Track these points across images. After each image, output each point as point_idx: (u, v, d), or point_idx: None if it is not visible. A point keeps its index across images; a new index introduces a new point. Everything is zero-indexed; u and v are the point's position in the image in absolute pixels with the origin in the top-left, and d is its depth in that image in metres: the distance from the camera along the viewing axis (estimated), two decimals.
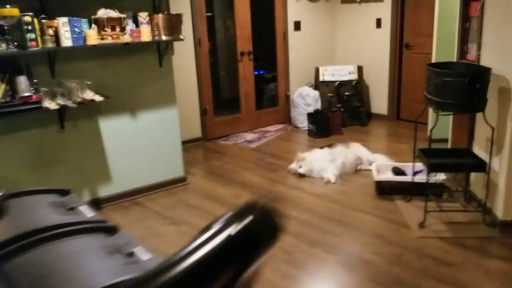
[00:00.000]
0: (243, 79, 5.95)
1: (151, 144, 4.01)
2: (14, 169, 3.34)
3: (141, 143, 3.95)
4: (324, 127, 5.68)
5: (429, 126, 5.01)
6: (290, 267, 2.83)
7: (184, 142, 5.37)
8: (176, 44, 5.16)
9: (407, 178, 3.77)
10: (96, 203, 3.76)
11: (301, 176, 4.33)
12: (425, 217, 3.29)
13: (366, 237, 3.18)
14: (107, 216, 3.61)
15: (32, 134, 3.39)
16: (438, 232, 3.21)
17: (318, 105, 6.12)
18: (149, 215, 3.63)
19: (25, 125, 3.34)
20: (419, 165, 3.58)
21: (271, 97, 6.53)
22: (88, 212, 1.76)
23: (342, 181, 4.23)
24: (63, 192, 1.95)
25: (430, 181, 3.39)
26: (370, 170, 4.35)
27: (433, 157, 3.30)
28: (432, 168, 3.29)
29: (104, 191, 3.82)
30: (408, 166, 4.01)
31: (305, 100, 6.09)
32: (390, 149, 5.10)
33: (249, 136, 5.87)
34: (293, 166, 4.41)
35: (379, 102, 6.42)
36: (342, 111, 6.04)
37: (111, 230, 1.61)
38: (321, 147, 4.55)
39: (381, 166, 4.15)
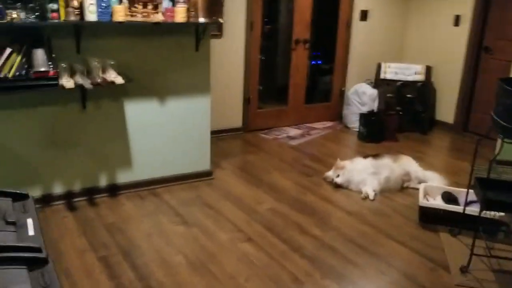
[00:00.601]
0: (295, 69, 5.52)
1: (177, 133, 3.74)
2: (27, 146, 3.20)
3: (166, 131, 3.69)
4: (376, 131, 5.15)
5: (496, 150, 4.36)
6: None
7: (222, 132, 5.12)
8: (226, 26, 4.85)
9: (458, 208, 3.22)
10: (112, 189, 3.57)
11: (337, 186, 3.89)
12: (471, 260, 2.77)
13: (394, 274, 2.72)
14: (121, 205, 3.42)
15: (50, 111, 3.22)
16: (483, 282, 2.68)
17: (375, 106, 5.57)
18: (162, 209, 3.38)
19: (42, 100, 3.17)
20: None
21: (323, 91, 6.05)
22: (31, 229, 1.49)
23: (382, 198, 3.74)
24: (19, 197, 1.71)
25: (483, 215, 2.85)
26: (417, 189, 3.83)
27: (491, 190, 2.75)
28: (486, 205, 2.74)
29: (123, 178, 3.61)
30: (462, 193, 3.44)
31: (360, 98, 5.56)
32: (448, 167, 4.50)
33: (293, 131, 5.46)
34: (330, 173, 3.97)
35: (446, 109, 5.74)
36: (401, 115, 5.45)
37: (38, 263, 1.33)
38: (365, 156, 4.06)
39: (430, 188, 3.61)
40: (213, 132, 4.97)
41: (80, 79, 3.04)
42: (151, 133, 3.63)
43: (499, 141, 4.33)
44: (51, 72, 2.96)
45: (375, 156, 4.04)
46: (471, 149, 5.07)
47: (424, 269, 2.78)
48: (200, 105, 3.77)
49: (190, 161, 3.86)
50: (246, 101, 5.26)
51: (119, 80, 3.11)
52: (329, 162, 4.36)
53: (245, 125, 5.34)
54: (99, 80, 3.07)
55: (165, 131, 3.68)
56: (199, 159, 3.90)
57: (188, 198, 3.58)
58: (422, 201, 3.32)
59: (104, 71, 3.16)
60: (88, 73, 3.13)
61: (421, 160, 4.51)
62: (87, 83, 3.00)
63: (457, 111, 5.63)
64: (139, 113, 3.54)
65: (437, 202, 3.44)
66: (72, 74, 3.07)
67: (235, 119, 5.27)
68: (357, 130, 5.40)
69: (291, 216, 3.37)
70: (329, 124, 5.82)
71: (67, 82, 2.98)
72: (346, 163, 3.95)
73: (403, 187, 3.93)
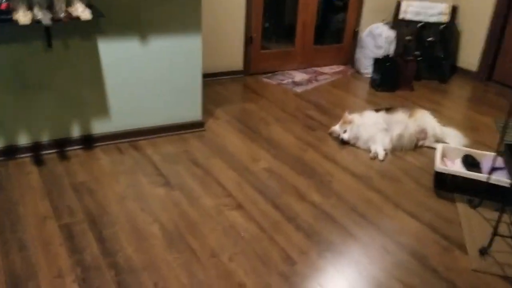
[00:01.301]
0: (304, 4, 4.90)
1: (162, 78, 3.27)
2: None
3: (149, 74, 3.22)
4: (391, 79, 4.61)
5: None
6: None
7: (220, 74, 4.63)
8: None
9: (480, 176, 2.79)
10: (87, 141, 3.17)
11: (344, 143, 3.45)
12: (493, 240, 2.37)
13: (400, 254, 2.34)
14: (96, 159, 3.03)
15: (10, 50, 2.75)
16: (506, 268, 2.30)
17: (391, 50, 5.00)
18: (142, 166, 2.98)
19: None
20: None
21: (335, 32, 5.44)
22: None
23: (393, 158, 3.31)
24: None
25: None
26: (434, 148, 3.38)
27: None
28: None
29: (99, 128, 3.20)
30: (486, 157, 3.00)
31: (375, 40, 4.97)
32: (469, 121, 4.01)
33: (299, 76, 4.94)
34: (336, 128, 3.52)
35: (470, 54, 5.15)
36: (420, 60, 4.88)
37: None
38: (377, 109, 3.58)
39: (448, 150, 3.16)
40: (210, 75, 4.51)
41: (39, 14, 2.54)
42: (131, 77, 3.16)
43: None
44: (3, 5, 2.47)
45: (388, 109, 3.56)
46: (494, 101, 4.59)
47: (436, 248, 2.40)
48: (189, 45, 3.26)
49: (177, 110, 3.41)
50: (248, 40, 4.71)
51: (86, 15, 2.60)
52: (336, 114, 3.90)
53: (246, 67, 4.82)
54: (62, 15, 2.57)
55: (147, 75, 3.21)
56: (188, 107, 3.45)
57: (173, 154, 3.18)
58: (439, 166, 2.88)
59: (70, 4, 2.65)
60: (50, 6, 2.62)
61: (438, 113, 4.03)
62: (46, 19, 2.50)
63: (482, 58, 5.04)
64: (116, 54, 3.05)
65: (456, 167, 3.00)
66: (30, 8, 2.57)
67: (235, 61, 4.75)
68: (370, 76, 4.87)
69: (289, 177, 2.96)
70: (339, 68, 5.27)
71: (23, 16, 2.49)
72: (355, 117, 3.48)
73: (417, 146, 3.48)
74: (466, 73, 5.18)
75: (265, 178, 2.94)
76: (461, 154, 3.11)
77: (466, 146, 3.41)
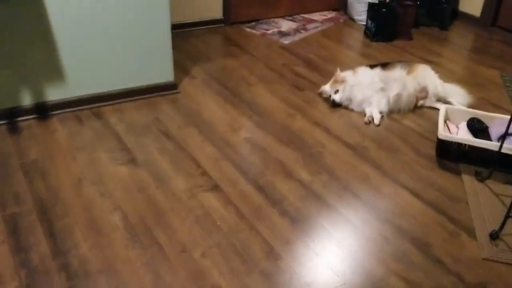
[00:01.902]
0: None
1: (123, 31, 2.81)
2: None
3: (108, 28, 2.75)
4: (388, 27, 4.16)
5: None
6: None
7: (196, 24, 4.16)
8: None
9: (489, 144, 2.45)
10: (42, 110, 2.76)
11: (335, 105, 3.07)
12: (505, 222, 2.07)
13: (400, 242, 2.04)
14: (51, 132, 2.63)
15: None
16: None
17: None
18: (104, 139, 2.60)
19: None
20: None
21: None
22: None
23: (390, 123, 2.95)
24: None
25: None
26: (436, 109, 3.03)
27: None
28: None
29: (55, 94, 2.77)
30: (495, 120, 2.66)
31: None
32: (473, 76, 3.63)
33: (285, 24, 4.45)
34: (327, 88, 3.12)
35: None
36: (418, 5, 4.40)
37: None
38: (372, 66, 3.17)
39: (452, 112, 2.81)
40: (184, 25, 4.03)
41: None
42: (87, 32, 2.70)
43: None
44: None
45: (385, 65, 3.15)
46: (500, 51, 4.17)
47: (441, 234, 2.10)
48: None
49: (145, 70, 2.98)
50: None
51: None
52: (327, 70, 3.50)
53: (226, 15, 4.32)
54: None
55: (105, 29, 2.75)
56: (157, 67, 3.02)
57: (141, 123, 2.78)
58: (442, 133, 2.53)
59: None
60: None
61: (439, 67, 3.65)
62: None
63: (486, 1, 4.57)
64: (67, 4, 2.57)
65: (462, 133, 2.66)
66: None
67: (214, 8, 4.25)
68: (364, 24, 4.40)
69: (274, 150, 2.60)
70: (330, 15, 4.78)
71: None
72: (348, 76, 3.08)
73: (417, 106, 3.11)
74: (468, 18, 4.73)
75: (246, 151, 2.57)
76: (467, 117, 2.76)
77: (471, 105, 3.06)
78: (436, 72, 3.23)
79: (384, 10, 4.13)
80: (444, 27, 4.54)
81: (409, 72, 3.10)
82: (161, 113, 2.89)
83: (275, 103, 3.08)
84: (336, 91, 3.04)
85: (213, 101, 3.07)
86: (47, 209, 2.08)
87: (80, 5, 2.59)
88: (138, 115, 2.85)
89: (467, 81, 3.48)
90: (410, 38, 4.25)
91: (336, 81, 3.06)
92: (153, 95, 3.03)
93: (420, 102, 3.11)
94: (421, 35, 4.38)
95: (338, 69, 3.09)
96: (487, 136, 2.57)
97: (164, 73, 3.04)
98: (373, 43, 4.15)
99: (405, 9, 4.18)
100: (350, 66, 3.30)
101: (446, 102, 3.11)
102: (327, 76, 3.34)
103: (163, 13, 2.85)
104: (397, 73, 3.08)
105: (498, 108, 3.13)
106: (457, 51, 4.13)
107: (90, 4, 2.61)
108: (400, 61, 3.24)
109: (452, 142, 2.52)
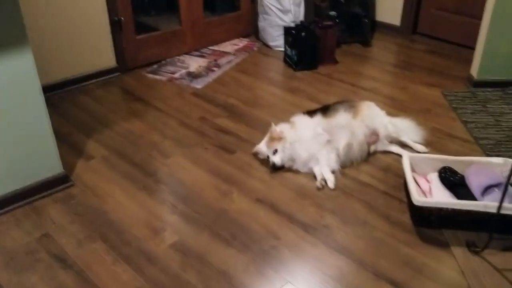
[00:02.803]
0: None
1: None
2: None
3: None
4: (311, 53, 3.67)
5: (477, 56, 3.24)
6: None
7: (85, 79, 3.38)
8: None
9: (481, 205, 1.98)
10: None
11: (275, 168, 2.48)
12: None
13: None
14: None
15: None
16: None
17: (301, 14, 4.04)
18: None
19: None
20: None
21: None
22: None
23: (345, 181, 2.42)
24: None
25: None
26: (390, 152, 2.58)
27: None
28: None
29: None
30: (470, 167, 2.23)
31: (280, 3, 3.95)
32: (414, 100, 3.24)
33: (194, 62, 3.79)
34: (263, 148, 2.53)
35: (390, 6, 4.35)
36: (338, 23, 3.97)
37: None
38: (310, 112, 2.63)
39: (417, 161, 2.34)
40: (71, 82, 3.29)
41: None
42: None
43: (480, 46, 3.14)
44: None
45: (325, 110, 2.62)
46: (430, 63, 3.79)
47: None
48: (14, 70, 2.01)
49: (23, 167, 2.18)
50: (116, 25, 3.44)
51: None
52: (254, 117, 2.94)
53: (120, 62, 3.57)
54: None
55: None
56: (39, 159, 2.23)
57: (22, 247, 1.99)
58: (417, 198, 2.03)
59: None
60: None
61: (376, 94, 3.27)
62: None
63: (404, 9, 4.27)
64: None
65: (436, 192, 2.18)
66: None
67: (104, 56, 3.48)
68: (283, 50, 3.88)
69: (213, 255, 1.95)
70: (242, 43, 4.20)
71: None
72: (285, 130, 2.51)
73: (369, 153, 2.62)
74: (388, 28, 4.40)
75: (176, 266, 1.89)
76: (434, 165, 2.31)
77: (426, 141, 2.66)
78: (378, 104, 2.78)
79: (303, 34, 3.63)
80: (366, 43, 4.16)
81: (354, 115, 2.60)
82: (51, 224, 2.11)
83: (202, 178, 2.43)
84: (275, 151, 2.46)
85: (120, 189, 2.35)
86: None
87: None
88: (17, 235, 2.05)
89: (412, 108, 3.08)
90: (335, 62, 3.80)
91: (272, 139, 2.48)
92: (37, 197, 2.24)
93: (372, 148, 2.63)
94: (345, 55, 3.95)
95: (273, 124, 2.51)
96: (467, 191, 2.13)
97: (48, 164, 2.26)
98: (297, 73, 3.64)
99: (325, 30, 3.71)
100: (279, 107, 2.81)
101: (398, 141, 2.67)
102: (256, 126, 2.78)
103: (33, 92, 2.08)
104: (342, 118, 2.56)
105: (454, 138, 2.75)
106: (387, 69, 3.75)
107: None
108: (340, 102, 2.73)
109: (432, 208, 2.03)
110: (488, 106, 3.09)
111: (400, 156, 2.54)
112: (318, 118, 2.56)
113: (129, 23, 3.51)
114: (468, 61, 3.45)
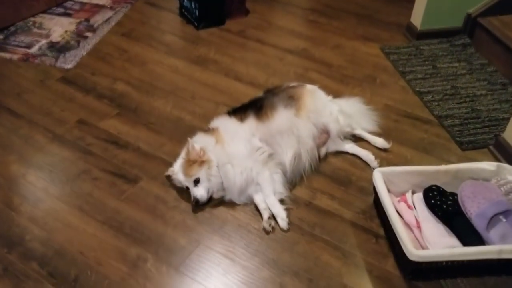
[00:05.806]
0: None
1: None
2: None
3: None
4: (215, 5, 2.80)
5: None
6: None
7: None
8: None
9: (487, 252, 1.48)
10: None
11: (199, 205, 1.74)
12: None
13: None
14: None
15: None
16: None
17: None
18: None
19: None
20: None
21: None
22: None
23: (298, 212, 1.77)
24: None
25: None
26: (345, 153, 1.99)
27: None
28: None
29: None
30: (462, 186, 1.69)
31: None
32: (350, 63, 2.61)
33: (57, 26, 2.73)
34: (179, 175, 1.75)
35: None
36: None
37: None
38: (239, 113, 1.88)
39: (391, 176, 1.73)
40: None
41: None
42: None
43: None
44: None
45: (259, 109, 1.88)
46: (355, 5, 3.14)
47: None
48: None
49: None
50: None
51: None
52: (157, 111, 2.15)
53: None
54: None
55: None
56: None
57: None
58: (415, 252, 1.45)
59: None
60: None
61: (305, 58, 2.58)
62: None
63: None
64: None
65: (426, 225, 1.63)
66: None
67: None
68: (179, 2, 2.95)
69: None
70: None
71: None
72: (208, 146, 1.76)
73: (320, 156, 1.98)
74: None
75: None
76: (413, 180, 1.74)
77: (383, 128, 2.11)
78: (309, 71, 2.23)
79: None
80: None
81: (297, 111, 1.90)
82: None
83: (96, 241, 1.62)
84: (197, 181, 1.71)
85: None
86: None
87: None
88: None
89: (354, 78, 2.48)
90: (247, 12, 2.99)
91: (191, 162, 1.72)
92: None
93: (323, 151, 1.99)
94: (255, 2, 3.13)
95: (190, 140, 1.74)
96: (464, 221, 1.60)
97: None
98: (201, 33, 2.78)
99: None
100: (187, 92, 2.06)
101: (352, 135, 2.06)
102: (162, 127, 2.02)
103: None
104: (283, 118, 1.86)
105: (414, 119, 2.23)
106: (311, 19, 3.04)
107: None
108: (274, 92, 1.99)
109: (433, 262, 1.49)
110: (438, 66, 2.57)
111: (357, 157, 1.97)
112: (251, 122, 1.83)
113: None
114: (401, 1, 2.87)
